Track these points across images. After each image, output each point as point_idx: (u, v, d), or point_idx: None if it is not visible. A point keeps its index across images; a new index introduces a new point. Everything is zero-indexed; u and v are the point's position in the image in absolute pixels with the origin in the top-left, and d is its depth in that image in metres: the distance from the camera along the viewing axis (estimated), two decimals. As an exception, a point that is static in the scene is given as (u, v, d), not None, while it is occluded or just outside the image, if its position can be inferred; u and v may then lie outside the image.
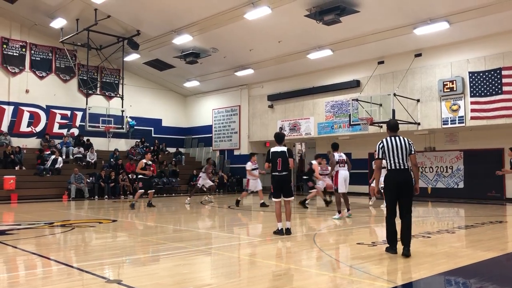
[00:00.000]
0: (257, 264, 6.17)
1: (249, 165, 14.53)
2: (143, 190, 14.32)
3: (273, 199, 8.46)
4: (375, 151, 6.69)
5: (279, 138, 8.59)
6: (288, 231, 8.36)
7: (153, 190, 15.35)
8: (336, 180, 11.02)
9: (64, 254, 7.01)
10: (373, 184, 15.42)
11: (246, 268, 6.04)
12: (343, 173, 11.00)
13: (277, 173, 8.28)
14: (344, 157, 11.19)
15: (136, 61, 22.86)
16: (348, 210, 11.33)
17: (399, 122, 16.41)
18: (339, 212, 10.85)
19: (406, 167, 6.40)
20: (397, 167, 6.37)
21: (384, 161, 6.56)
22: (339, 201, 10.93)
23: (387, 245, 6.50)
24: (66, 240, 8.47)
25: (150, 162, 14.46)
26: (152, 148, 24.74)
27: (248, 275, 5.62)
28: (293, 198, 8.53)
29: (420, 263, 6.13)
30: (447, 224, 10.51)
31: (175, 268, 5.90)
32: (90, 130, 21.02)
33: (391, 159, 6.41)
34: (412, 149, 6.45)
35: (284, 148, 8.40)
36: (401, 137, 6.51)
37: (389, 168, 6.46)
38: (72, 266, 5.86)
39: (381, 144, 6.53)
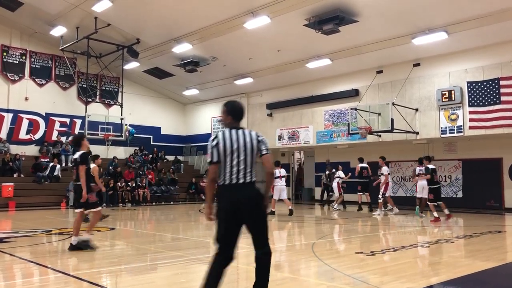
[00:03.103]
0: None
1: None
2: None
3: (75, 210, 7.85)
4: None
5: (75, 141, 7.89)
6: (71, 247, 7.52)
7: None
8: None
9: (62, 262, 6.98)
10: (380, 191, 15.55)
11: (244, 277, 6.01)
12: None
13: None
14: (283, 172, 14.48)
15: (136, 69, 22.92)
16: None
17: (398, 131, 16.66)
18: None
19: (249, 179, 4.05)
20: (236, 181, 4.00)
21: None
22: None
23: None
24: (64, 248, 8.43)
25: None
26: (151, 156, 24.74)
27: (246, 284, 5.59)
28: (81, 210, 7.60)
29: (419, 272, 6.11)
30: (445, 234, 10.49)
31: (173, 277, 5.88)
32: (89, 138, 20.95)
33: (227, 167, 4.03)
34: (263, 148, 4.16)
35: (77, 155, 7.52)
36: (246, 131, 4.21)
37: (222, 182, 4.04)
38: (69, 274, 5.83)
39: (215, 141, 4.09)
